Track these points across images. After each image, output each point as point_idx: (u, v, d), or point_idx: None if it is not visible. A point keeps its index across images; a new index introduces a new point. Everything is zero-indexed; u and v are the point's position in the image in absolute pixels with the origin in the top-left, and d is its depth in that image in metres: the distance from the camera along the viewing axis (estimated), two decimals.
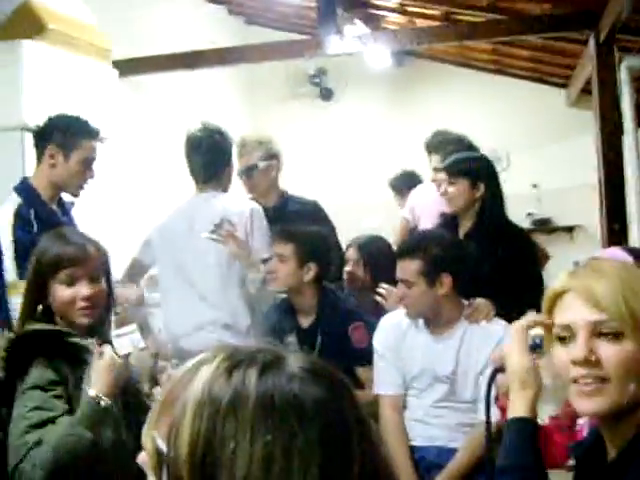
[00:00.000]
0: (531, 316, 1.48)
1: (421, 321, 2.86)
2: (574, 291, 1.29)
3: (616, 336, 1.23)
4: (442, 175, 3.37)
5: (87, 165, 2.89)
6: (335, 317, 3.12)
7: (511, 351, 1.42)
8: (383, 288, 3.24)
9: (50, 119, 2.89)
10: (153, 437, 0.82)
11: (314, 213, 3.82)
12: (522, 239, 3.33)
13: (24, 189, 2.85)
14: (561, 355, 1.29)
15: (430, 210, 3.88)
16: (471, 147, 3.88)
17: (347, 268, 3.62)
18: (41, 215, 2.80)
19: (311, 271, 3.12)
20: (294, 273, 3.11)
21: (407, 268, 2.75)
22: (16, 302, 2.53)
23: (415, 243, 2.89)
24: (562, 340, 1.30)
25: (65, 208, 2.99)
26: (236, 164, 3.68)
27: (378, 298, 3.26)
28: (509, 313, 2.64)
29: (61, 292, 2.07)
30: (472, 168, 3.26)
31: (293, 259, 3.09)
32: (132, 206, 4.79)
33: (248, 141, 3.72)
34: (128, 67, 4.88)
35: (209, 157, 3.35)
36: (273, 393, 0.78)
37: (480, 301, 2.82)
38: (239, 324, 3.26)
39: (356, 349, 3.05)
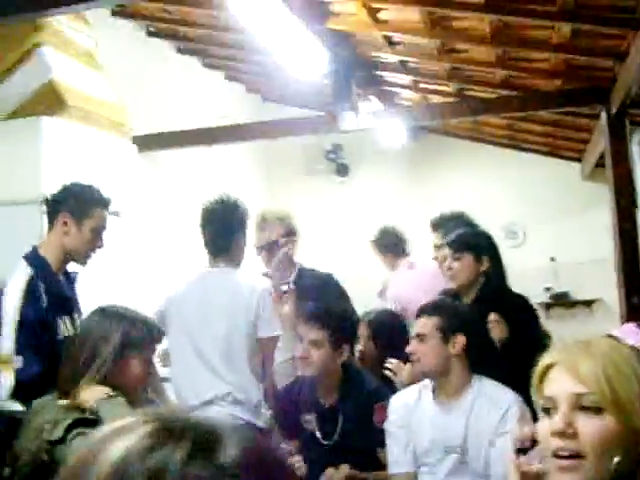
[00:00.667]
0: (518, 437, 1.50)
1: (429, 392, 2.82)
2: (560, 364, 1.31)
3: (596, 411, 1.23)
4: (445, 251, 3.40)
5: (98, 234, 2.89)
6: (359, 397, 3.06)
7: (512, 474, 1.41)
8: (391, 363, 3.22)
9: (64, 187, 2.91)
10: None
11: (328, 285, 3.84)
12: (526, 308, 3.32)
13: (35, 259, 2.82)
14: (544, 427, 1.31)
15: (420, 290, 3.87)
16: (470, 223, 3.90)
17: (359, 346, 3.55)
18: (51, 288, 2.77)
19: (344, 352, 3.08)
20: (329, 357, 3.04)
21: (424, 323, 2.77)
22: (6, 375, 2.55)
23: (434, 303, 2.93)
24: (546, 412, 1.31)
25: (70, 278, 2.98)
26: (254, 238, 3.72)
27: (387, 373, 3.23)
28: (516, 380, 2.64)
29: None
30: (475, 242, 3.31)
31: (328, 344, 3.03)
32: (148, 279, 4.81)
33: (269, 216, 3.76)
34: (147, 142, 4.98)
35: (220, 228, 3.37)
36: None
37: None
38: (250, 399, 3.23)
39: (377, 430, 2.99)
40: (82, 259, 2.89)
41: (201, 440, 0.67)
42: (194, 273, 3.53)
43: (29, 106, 3.74)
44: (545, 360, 1.34)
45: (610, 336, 1.43)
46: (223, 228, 3.37)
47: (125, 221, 4.19)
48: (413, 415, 2.81)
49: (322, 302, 3.33)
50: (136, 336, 2.35)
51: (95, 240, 2.89)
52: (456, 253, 3.28)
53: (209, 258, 3.45)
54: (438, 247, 3.90)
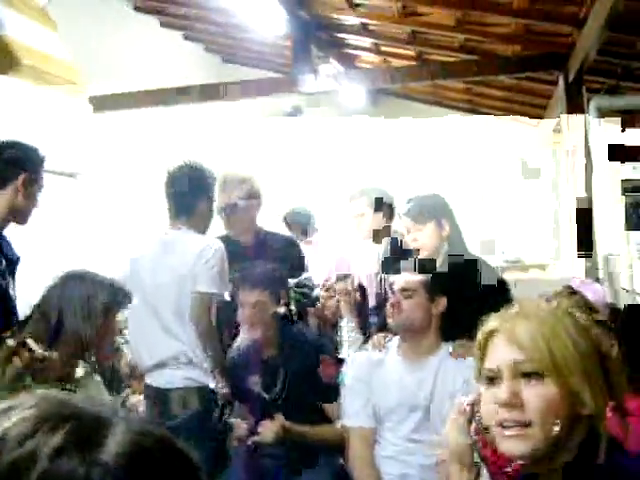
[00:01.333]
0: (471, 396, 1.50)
1: (395, 351, 2.85)
2: (500, 332, 1.29)
3: (537, 377, 1.22)
4: (406, 222, 3.28)
5: (40, 192, 2.88)
6: (300, 350, 3.08)
7: (450, 429, 1.39)
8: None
9: (18, 147, 2.85)
10: None
11: (290, 249, 3.86)
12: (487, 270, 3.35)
13: None
14: (488, 398, 1.29)
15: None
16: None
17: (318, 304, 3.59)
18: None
19: (281, 302, 3.11)
20: (271, 316, 3.06)
21: (410, 278, 2.78)
22: None
23: (419, 261, 2.93)
24: (490, 382, 1.29)
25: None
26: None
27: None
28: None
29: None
30: (434, 207, 3.29)
31: (268, 303, 3.05)
32: (104, 241, 4.77)
33: (229, 179, 3.72)
34: (104, 103, 4.90)
35: (181, 192, 3.35)
36: None
37: (467, 342, 2.81)
38: (201, 360, 3.24)
39: (323, 384, 3.02)
40: (25, 219, 2.86)
41: (81, 431, 0.62)
42: (153, 236, 3.52)
43: None
44: (486, 328, 1.32)
45: (570, 291, 1.40)
46: (186, 192, 3.34)
47: (82, 183, 4.15)
48: (376, 372, 2.82)
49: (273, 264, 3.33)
50: (110, 300, 2.36)
51: (37, 199, 2.87)
52: (417, 223, 3.21)
53: (170, 221, 3.43)
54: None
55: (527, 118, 6.97)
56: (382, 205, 3.99)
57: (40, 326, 2.28)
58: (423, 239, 3.20)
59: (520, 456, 1.26)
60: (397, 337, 2.91)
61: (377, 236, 3.89)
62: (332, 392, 2.97)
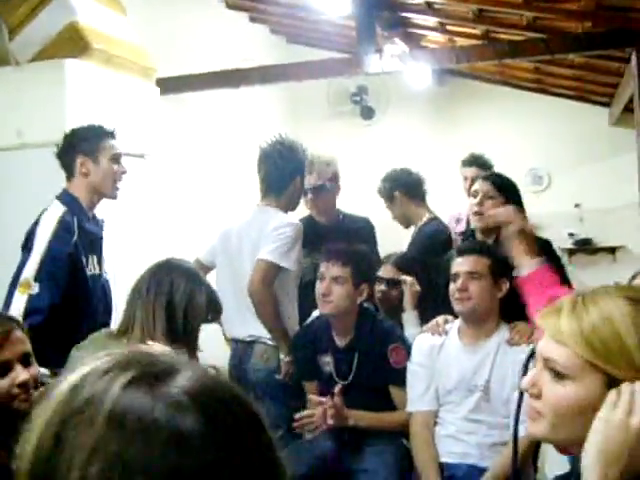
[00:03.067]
0: None
1: (455, 333, 2.87)
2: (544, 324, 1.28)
3: (559, 376, 1.21)
4: (481, 186, 3.20)
5: (116, 161, 3.00)
6: (373, 337, 3.11)
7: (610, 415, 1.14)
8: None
9: (68, 134, 3.00)
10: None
11: (368, 230, 3.93)
12: (549, 252, 3.29)
13: (67, 197, 2.95)
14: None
15: None
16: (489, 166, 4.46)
17: (381, 287, 3.56)
18: (83, 224, 2.91)
19: (365, 292, 3.12)
20: (350, 295, 3.07)
21: (478, 262, 2.77)
22: (19, 298, 2.69)
23: (482, 243, 2.95)
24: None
25: (98, 223, 3.08)
26: None
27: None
28: None
29: None
30: (507, 186, 3.24)
31: (350, 281, 3.06)
32: (173, 222, 4.87)
33: (316, 160, 3.79)
34: (171, 85, 4.98)
35: (272, 169, 3.41)
36: (128, 411, 0.66)
37: (520, 323, 2.79)
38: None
39: (393, 369, 3.04)
40: (110, 191, 3.00)
41: (151, 370, 0.70)
42: (245, 211, 3.59)
43: (53, 49, 3.75)
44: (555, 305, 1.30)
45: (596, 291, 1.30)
46: (281, 169, 3.41)
47: (150, 163, 4.23)
48: (439, 355, 2.88)
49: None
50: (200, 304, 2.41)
51: (115, 169, 2.97)
52: (490, 193, 3.14)
53: (261, 196, 3.50)
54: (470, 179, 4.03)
55: (598, 97, 6.83)
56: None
57: (165, 325, 2.35)
58: (488, 209, 3.14)
59: (532, 436, 1.33)
60: (457, 320, 2.92)
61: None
62: (400, 377, 3.00)
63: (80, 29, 3.74)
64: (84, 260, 2.89)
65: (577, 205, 7.12)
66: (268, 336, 3.29)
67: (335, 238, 3.54)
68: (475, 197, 3.15)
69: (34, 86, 3.70)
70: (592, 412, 1.15)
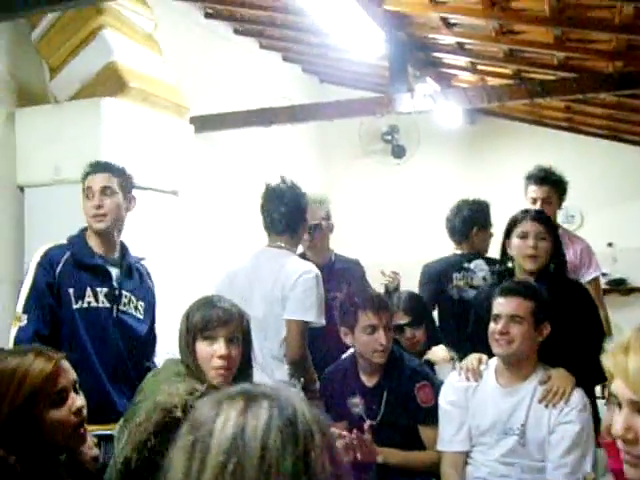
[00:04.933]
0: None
1: (492, 373, 2.84)
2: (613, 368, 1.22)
3: None
4: (538, 228, 3.10)
5: (88, 196, 3.05)
6: (401, 376, 3.10)
7: None
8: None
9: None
10: None
11: (357, 271, 3.95)
12: (587, 295, 3.26)
13: (77, 233, 3.08)
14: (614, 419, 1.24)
15: None
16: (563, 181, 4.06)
17: (407, 334, 3.56)
18: (79, 257, 2.98)
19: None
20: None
21: (521, 305, 2.71)
22: (12, 331, 2.83)
23: (529, 285, 2.85)
24: (618, 406, 1.23)
25: (131, 269, 3.13)
26: None
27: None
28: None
29: (202, 349, 2.29)
30: (553, 225, 3.22)
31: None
32: (206, 257, 4.91)
33: (311, 200, 3.81)
34: (204, 123, 5.06)
35: (290, 209, 3.44)
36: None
37: (556, 374, 2.74)
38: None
39: (422, 408, 3.02)
40: (91, 224, 3.05)
41: (278, 407, 0.94)
42: (252, 250, 3.60)
43: (91, 87, 3.85)
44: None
45: None
46: (291, 210, 3.44)
47: (183, 200, 4.29)
48: (474, 395, 2.84)
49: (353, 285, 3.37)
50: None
51: (88, 202, 3.04)
52: (545, 233, 3.08)
53: (270, 237, 3.50)
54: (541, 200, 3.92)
55: (630, 136, 6.80)
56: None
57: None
58: (543, 250, 3.08)
59: None
60: (493, 359, 2.88)
61: None
62: (429, 416, 2.97)
63: (118, 68, 3.83)
64: (72, 291, 2.92)
65: (610, 244, 7.05)
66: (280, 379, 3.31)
67: (327, 277, 3.55)
68: (524, 238, 3.10)
69: (72, 123, 3.79)
70: None
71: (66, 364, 1.91)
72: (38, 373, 1.80)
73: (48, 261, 2.93)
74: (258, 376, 3.27)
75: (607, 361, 1.22)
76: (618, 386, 1.21)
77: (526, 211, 3.20)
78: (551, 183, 4.03)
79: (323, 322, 3.33)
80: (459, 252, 4.15)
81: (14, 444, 1.74)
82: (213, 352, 2.29)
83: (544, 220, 3.14)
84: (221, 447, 0.90)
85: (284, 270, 3.32)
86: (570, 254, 3.85)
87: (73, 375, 1.92)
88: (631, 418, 1.18)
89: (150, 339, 3.19)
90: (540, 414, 2.69)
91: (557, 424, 2.64)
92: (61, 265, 2.93)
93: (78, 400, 1.89)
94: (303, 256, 3.79)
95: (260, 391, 0.97)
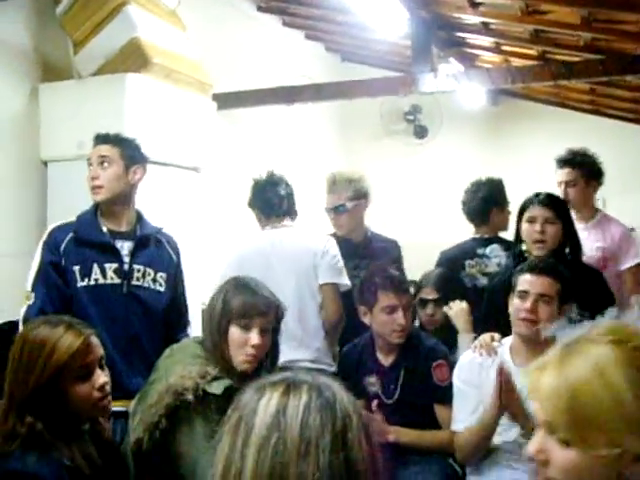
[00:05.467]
0: None
1: (507, 353, 2.83)
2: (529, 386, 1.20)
3: (562, 443, 1.13)
4: (546, 212, 3.16)
5: (90, 167, 3.08)
6: (417, 355, 3.11)
7: None
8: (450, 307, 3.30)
9: None
10: None
11: (395, 251, 3.94)
12: (602, 282, 3.24)
13: (85, 211, 3.09)
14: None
15: None
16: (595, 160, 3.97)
17: (427, 310, 3.60)
18: (82, 235, 2.98)
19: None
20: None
21: (550, 284, 2.69)
22: (22, 309, 2.87)
23: (556, 265, 2.83)
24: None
25: (147, 241, 3.12)
26: (325, 200, 3.83)
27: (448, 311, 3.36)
28: None
29: (235, 334, 2.30)
30: (565, 211, 3.20)
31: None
32: (225, 234, 4.93)
33: (338, 179, 3.82)
34: (226, 100, 5.05)
35: (288, 192, 3.64)
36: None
37: None
38: (322, 360, 3.35)
39: (438, 387, 3.04)
40: (92, 196, 3.06)
41: (317, 391, 1.02)
42: (258, 233, 3.65)
43: (114, 63, 3.85)
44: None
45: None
46: (291, 193, 3.68)
47: (204, 177, 4.30)
48: (489, 375, 2.80)
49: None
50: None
51: (88, 174, 3.07)
52: (553, 217, 3.14)
53: (271, 221, 3.58)
54: (564, 183, 3.87)
55: None
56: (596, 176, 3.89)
57: None
58: (551, 235, 3.11)
59: None
60: (508, 339, 2.87)
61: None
62: (445, 395, 2.98)
63: (141, 44, 3.83)
64: (77, 269, 2.93)
65: (632, 229, 6.98)
66: (307, 358, 3.33)
67: (362, 255, 3.61)
68: (532, 223, 3.11)
69: (95, 99, 3.80)
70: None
71: (95, 340, 1.96)
72: (66, 349, 1.85)
73: (53, 240, 2.95)
74: (299, 353, 3.32)
75: (525, 379, 1.20)
76: (534, 405, 1.20)
77: (537, 195, 3.19)
78: (574, 165, 3.96)
79: (349, 284, 3.47)
80: (476, 236, 4.11)
81: (41, 412, 1.80)
82: (247, 339, 2.30)
83: (554, 204, 3.13)
84: (264, 423, 0.98)
85: (309, 241, 3.44)
86: (608, 239, 3.82)
87: (100, 351, 1.98)
88: (544, 440, 1.16)
89: (174, 310, 3.16)
90: None
91: None
92: (65, 243, 2.94)
93: (102, 377, 1.94)
94: (334, 236, 3.81)
95: (301, 378, 1.05)
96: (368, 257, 3.72)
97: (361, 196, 3.86)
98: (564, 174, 3.93)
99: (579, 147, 4.00)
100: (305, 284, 3.41)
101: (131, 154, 3.09)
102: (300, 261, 3.40)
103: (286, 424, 0.98)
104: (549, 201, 3.16)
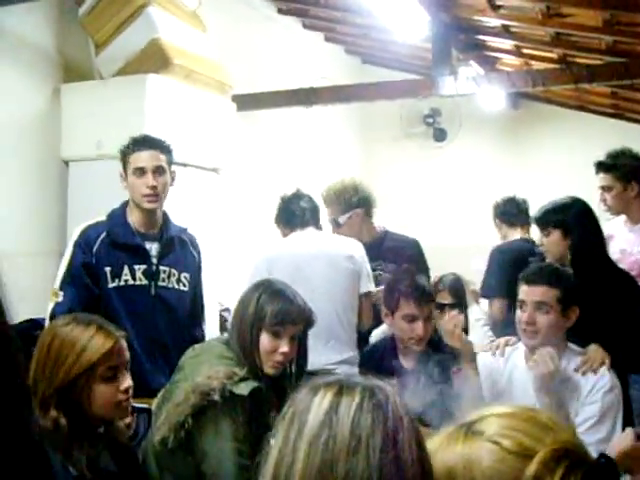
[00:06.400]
0: None
1: (520, 356, 2.82)
2: None
3: None
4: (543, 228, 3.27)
5: (139, 174, 3.00)
6: (437, 359, 3.10)
7: None
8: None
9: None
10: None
11: (412, 250, 3.90)
12: (624, 281, 3.22)
13: (117, 209, 3.08)
14: None
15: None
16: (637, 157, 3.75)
17: (444, 314, 3.59)
18: (115, 236, 2.98)
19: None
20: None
21: (547, 293, 2.65)
22: (49, 306, 2.87)
23: (553, 271, 2.79)
24: None
25: (172, 242, 3.13)
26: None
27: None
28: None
29: (266, 341, 2.29)
30: (561, 218, 3.20)
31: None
32: (244, 235, 4.95)
33: (326, 195, 3.89)
34: (246, 102, 5.07)
35: (311, 205, 3.68)
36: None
37: (593, 348, 2.71)
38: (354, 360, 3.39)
39: (455, 393, 3.03)
40: (140, 202, 3.02)
41: (370, 392, 1.04)
42: (287, 238, 3.66)
43: (135, 64, 3.88)
44: None
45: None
46: (314, 206, 3.73)
47: (224, 178, 4.32)
48: (502, 378, 2.82)
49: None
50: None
51: (140, 181, 2.99)
52: (544, 230, 3.22)
53: (303, 225, 3.60)
54: (601, 188, 3.78)
55: None
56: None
57: None
58: (548, 245, 3.23)
59: None
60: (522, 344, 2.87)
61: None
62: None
63: (162, 45, 3.86)
64: (108, 270, 2.94)
65: None
66: (332, 361, 3.35)
67: (375, 256, 3.70)
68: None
69: (116, 99, 3.82)
70: None
71: (123, 343, 1.98)
72: (96, 350, 1.88)
73: (85, 240, 2.95)
74: (346, 354, 3.36)
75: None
76: None
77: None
78: (606, 169, 3.81)
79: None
80: (525, 236, 4.21)
81: (64, 408, 1.82)
82: (276, 346, 2.29)
83: (545, 219, 3.23)
84: (316, 420, 1.02)
85: (347, 245, 3.51)
86: None
87: (127, 355, 1.99)
88: None
89: (195, 309, 3.19)
90: (568, 395, 2.67)
91: (583, 405, 2.62)
92: (97, 244, 2.94)
93: (127, 381, 1.96)
94: None
95: (354, 380, 1.08)
96: (380, 259, 3.76)
97: (354, 207, 3.85)
98: (599, 179, 3.84)
99: (620, 148, 3.87)
100: (342, 289, 3.45)
101: (172, 160, 3.12)
102: (336, 264, 3.43)
103: (337, 422, 1.01)
104: (543, 216, 3.28)
